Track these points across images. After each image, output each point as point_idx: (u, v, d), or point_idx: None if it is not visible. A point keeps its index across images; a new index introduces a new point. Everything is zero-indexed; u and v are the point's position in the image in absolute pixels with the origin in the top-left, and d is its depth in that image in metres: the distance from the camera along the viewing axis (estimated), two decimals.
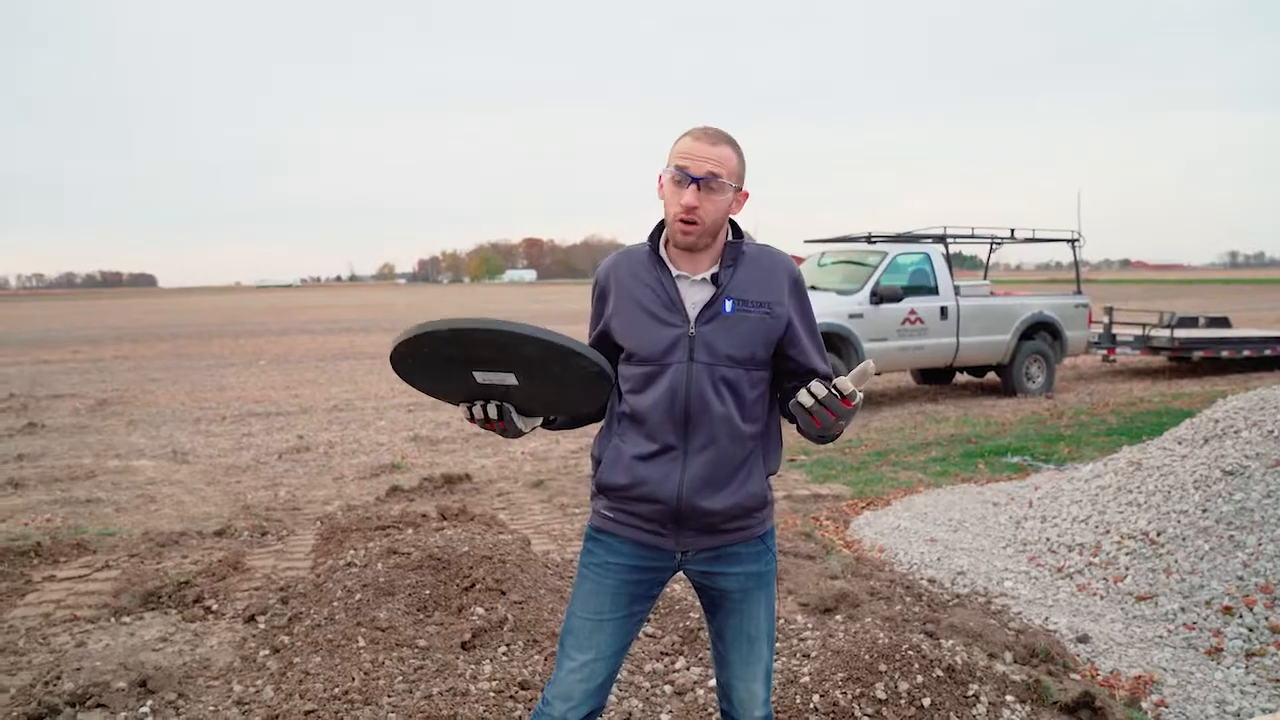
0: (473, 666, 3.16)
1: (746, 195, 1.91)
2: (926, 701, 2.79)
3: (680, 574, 1.99)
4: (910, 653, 2.96)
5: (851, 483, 6.28)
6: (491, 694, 2.97)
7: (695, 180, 1.79)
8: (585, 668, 1.88)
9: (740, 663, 1.98)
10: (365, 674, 3.10)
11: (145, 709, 2.93)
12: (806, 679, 2.96)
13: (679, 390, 1.83)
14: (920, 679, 2.86)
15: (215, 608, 3.84)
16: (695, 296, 1.86)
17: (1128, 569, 4.09)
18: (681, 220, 1.81)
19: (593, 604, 1.91)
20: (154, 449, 8.07)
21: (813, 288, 10.53)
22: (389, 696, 2.96)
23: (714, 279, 1.86)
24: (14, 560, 4.53)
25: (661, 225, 1.92)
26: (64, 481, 6.65)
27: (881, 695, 2.82)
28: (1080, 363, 14.16)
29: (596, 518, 1.96)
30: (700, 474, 1.85)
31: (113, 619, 3.75)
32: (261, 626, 3.61)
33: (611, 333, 1.91)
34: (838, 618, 3.62)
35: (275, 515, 5.58)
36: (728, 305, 1.84)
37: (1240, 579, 3.74)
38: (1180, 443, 4.93)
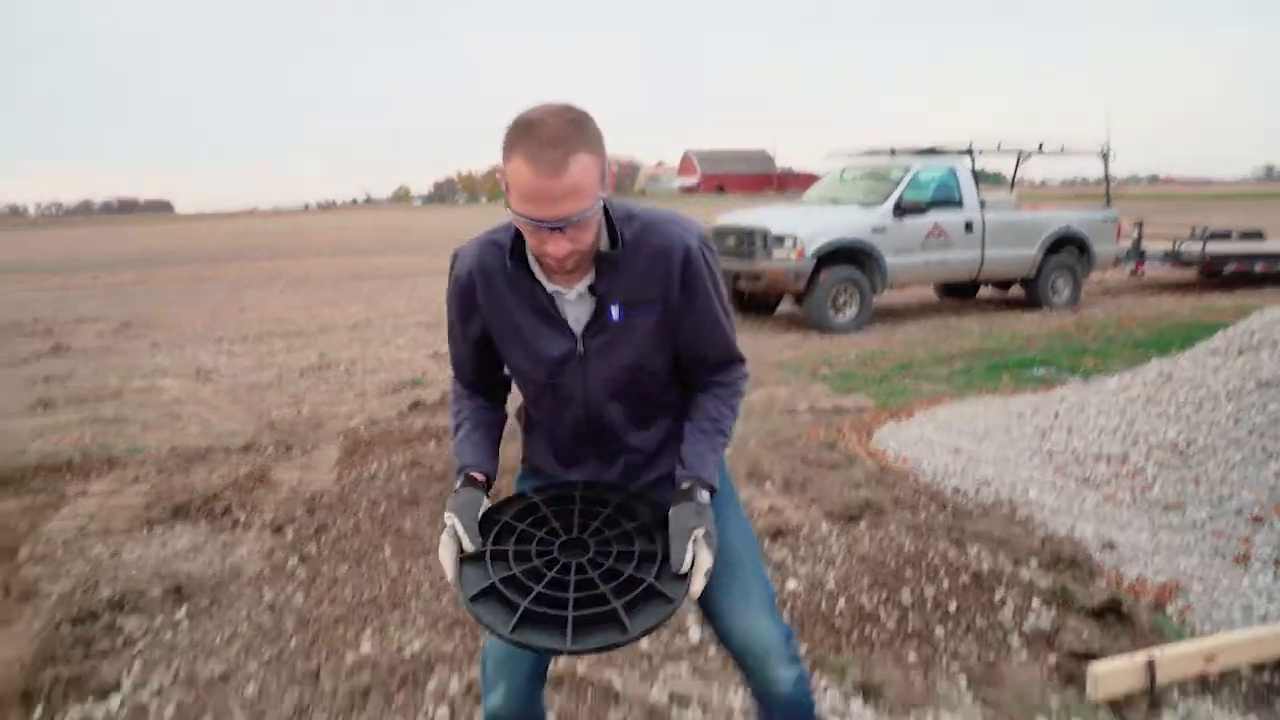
0: None
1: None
2: (953, 606, 2.79)
3: None
4: (936, 559, 2.95)
5: (874, 395, 6.24)
6: None
7: (554, 228, 1.43)
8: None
9: (725, 596, 1.65)
10: (392, 580, 3.14)
11: (181, 614, 2.99)
12: (832, 585, 2.96)
13: (578, 412, 1.67)
14: (946, 584, 2.86)
15: (243, 519, 3.89)
16: (576, 312, 1.60)
17: (1155, 478, 4.05)
18: (550, 260, 1.49)
19: None
20: (178, 369, 8.13)
21: (834, 201, 10.34)
22: (416, 600, 3.00)
23: (591, 289, 1.58)
24: (47, 476, 4.60)
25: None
26: (91, 401, 6.72)
27: (907, 600, 2.82)
28: (1107, 277, 13.93)
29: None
30: (626, 464, 1.74)
31: (145, 530, 3.81)
32: (289, 537, 3.66)
33: (494, 340, 1.67)
34: (862, 525, 3.62)
35: (299, 430, 5.63)
36: (614, 313, 1.58)
37: (1272, 489, 3.69)
38: (1213, 354, 4.84)
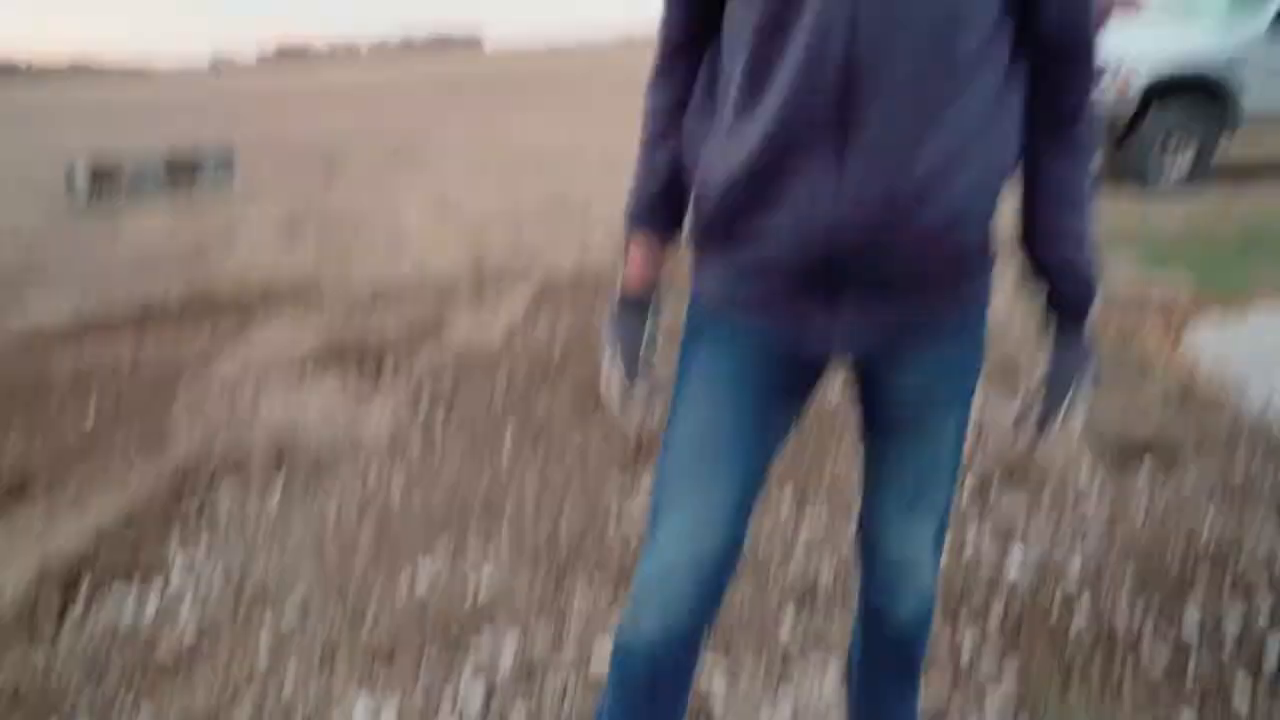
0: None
1: None
2: (1276, 656, 1.76)
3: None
4: (1255, 552, 1.91)
5: (1199, 273, 4.71)
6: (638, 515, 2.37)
7: None
8: (694, 529, 1.13)
9: (897, 498, 1.24)
10: (493, 478, 2.65)
11: (275, 493, 2.68)
12: (1074, 575, 2.02)
13: (832, 36, 0.97)
14: (1268, 606, 1.83)
15: (390, 379, 3.54)
16: None
17: None
18: None
19: (704, 416, 1.15)
20: (423, 199, 8.10)
21: (1186, 11, 8.08)
22: (507, 511, 2.47)
23: None
24: (241, 307, 4.64)
25: None
26: (334, 229, 6.85)
27: (1192, 627, 1.83)
28: None
29: (699, 284, 1.19)
30: (887, 191, 1.00)
31: (298, 378, 3.59)
32: (422, 403, 3.26)
33: None
34: (1141, 473, 2.54)
35: (503, 272, 5.26)
36: None
37: None
38: None
